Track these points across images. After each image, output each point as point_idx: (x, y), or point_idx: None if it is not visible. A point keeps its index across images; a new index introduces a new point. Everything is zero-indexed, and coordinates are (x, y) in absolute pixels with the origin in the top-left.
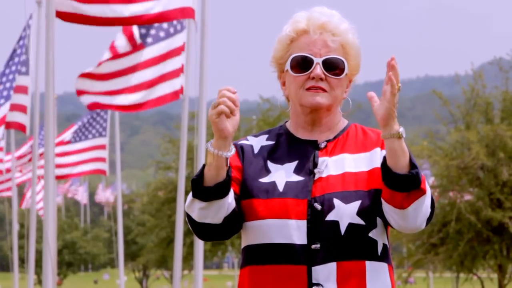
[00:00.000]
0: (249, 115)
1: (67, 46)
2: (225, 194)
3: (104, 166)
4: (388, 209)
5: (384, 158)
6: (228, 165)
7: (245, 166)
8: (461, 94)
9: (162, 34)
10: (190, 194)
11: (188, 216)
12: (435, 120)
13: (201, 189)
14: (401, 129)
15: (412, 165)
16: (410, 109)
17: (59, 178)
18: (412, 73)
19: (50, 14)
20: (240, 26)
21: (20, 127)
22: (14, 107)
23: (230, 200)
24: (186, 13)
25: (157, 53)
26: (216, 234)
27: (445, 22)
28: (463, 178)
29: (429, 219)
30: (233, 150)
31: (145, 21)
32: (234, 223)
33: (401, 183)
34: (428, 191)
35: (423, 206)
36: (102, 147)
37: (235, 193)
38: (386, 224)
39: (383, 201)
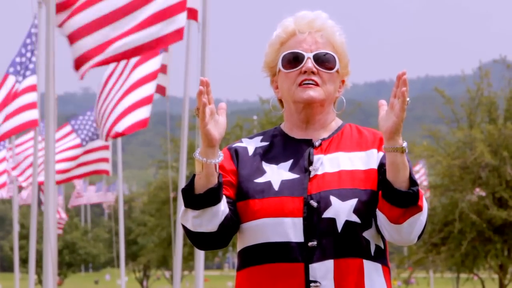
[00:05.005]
0: (250, 115)
1: (67, 47)
2: (217, 200)
3: (107, 166)
4: (383, 221)
5: (384, 171)
6: (218, 171)
7: (240, 169)
8: (462, 94)
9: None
10: (183, 205)
11: (183, 226)
12: (436, 121)
13: (193, 197)
14: (405, 144)
15: (412, 181)
16: (410, 109)
17: (60, 182)
18: (412, 73)
19: (51, 14)
20: (241, 26)
21: (33, 124)
22: (25, 108)
23: (223, 208)
24: (189, 14)
25: (132, 81)
26: (213, 242)
27: (445, 22)
28: (465, 177)
29: (421, 234)
30: (221, 157)
31: (150, 22)
32: (229, 230)
33: (400, 199)
34: (425, 208)
35: (417, 223)
36: (105, 147)
37: (229, 198)
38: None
39: (378, 212)
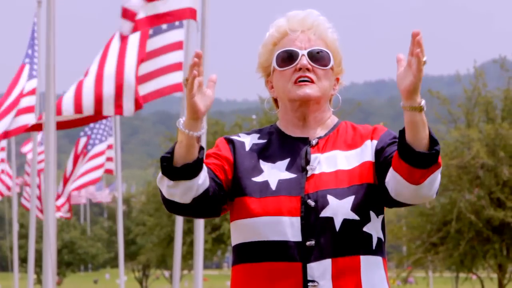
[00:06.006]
0: (249, 115)
1: (68, 46)
2: (193, 175)
3: (112, 165)
4: (401, 182)
5: (402, 134)
6: (200, 145)
7: (238, 162)
8: (461, 94)
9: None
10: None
11: (159, 190)
12: (435, 120)
13: (169, 168)
14: (423, 102)
15: (432, 140)
16: None
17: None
18: None
19: (51, 14)
20: (240, 26)
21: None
22: (23, 111)
23: (200, 182)
24: (188, 13)
25: (155, 47)
26: (186, 213)
27: (445, 21)
28: (463, 177)
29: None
30: (203, 129)
31: (151, 22)
32: (205, 205)
33: (423, 161)
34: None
35: (437, 179)
36: (109, 147)
37: (218, 178)
38: (380, 214)
39: (394, 173)
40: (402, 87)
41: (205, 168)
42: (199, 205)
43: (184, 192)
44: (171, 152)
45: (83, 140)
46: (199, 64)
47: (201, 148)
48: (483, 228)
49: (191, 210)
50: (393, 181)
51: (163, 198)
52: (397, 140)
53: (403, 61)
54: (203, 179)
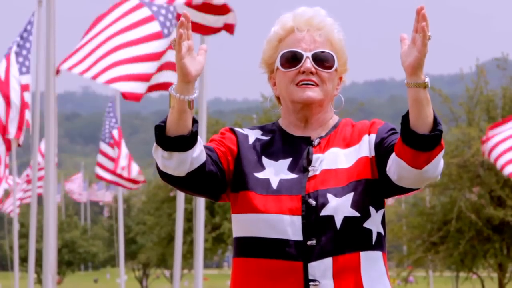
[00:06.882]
0: (249, 114)
1: (68, 46)
2: (187, 147)
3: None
4: (406, 169)
5: (405, 119)
6: (192, 110)
7: (242, 154)
8: (461, 93)
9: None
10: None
11: (155, 161)
12: None
13: (163, 138)
14: (427, 79)
15: (435, 120)
16: None
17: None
18: None
19: (51, 13)
20: (241, 25)
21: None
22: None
23: (195, 155)
24: (228, 28)
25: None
26: (180, 187)
27: (445, 21)
28: (464, 176)
29: None
30: (195, 94)
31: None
32: (200, 181)
33: (427, 143)
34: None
35: (441, 160)
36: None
37: (221, 164)
38: (379, 209)
39: (397, 159)
40: (407, 63)
41: (200, 142)
42: (193, 180)
43: (177, 165)
44: (165, 121)
45: (115, 132)
46: (188, 27)
47: (195, 121)
48: (484, 227)
49: (185, 184)
50: (396, 167)
51: (158, 169)
52: (395, 131)
53: (407, 40)
54: (198, 153)
